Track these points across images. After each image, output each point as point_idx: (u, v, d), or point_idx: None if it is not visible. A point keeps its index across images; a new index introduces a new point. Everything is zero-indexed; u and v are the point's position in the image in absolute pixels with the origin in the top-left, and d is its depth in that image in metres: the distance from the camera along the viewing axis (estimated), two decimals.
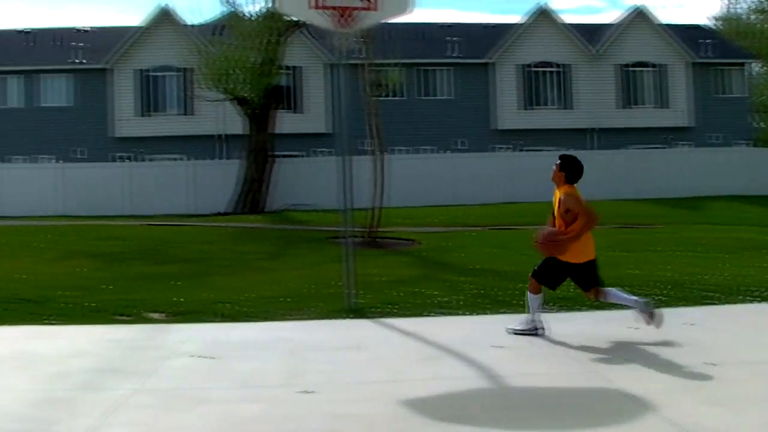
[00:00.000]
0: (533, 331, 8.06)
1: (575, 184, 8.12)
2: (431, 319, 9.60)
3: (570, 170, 8.08)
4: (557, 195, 8.11)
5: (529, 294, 8.17)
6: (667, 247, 17.92)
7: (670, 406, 5.56)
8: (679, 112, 40.78)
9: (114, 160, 36.72)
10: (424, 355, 7.41)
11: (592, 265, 8.04)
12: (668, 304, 10.20)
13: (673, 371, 6.60)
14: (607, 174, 33.02)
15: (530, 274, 8.21)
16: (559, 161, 8.19)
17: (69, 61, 39.32)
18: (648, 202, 29.75)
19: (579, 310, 9.88)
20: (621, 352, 7.26)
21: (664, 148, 38.73)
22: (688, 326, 8.47)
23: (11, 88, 39.22)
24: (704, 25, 48.77)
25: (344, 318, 9.63)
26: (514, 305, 8.20)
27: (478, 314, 9.80)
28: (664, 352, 7.30)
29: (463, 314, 9.85)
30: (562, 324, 8.66)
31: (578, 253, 7.91)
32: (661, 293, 11.00)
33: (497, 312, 9.76)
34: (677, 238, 19.47)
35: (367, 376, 6.66)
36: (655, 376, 6.45)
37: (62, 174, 32.25)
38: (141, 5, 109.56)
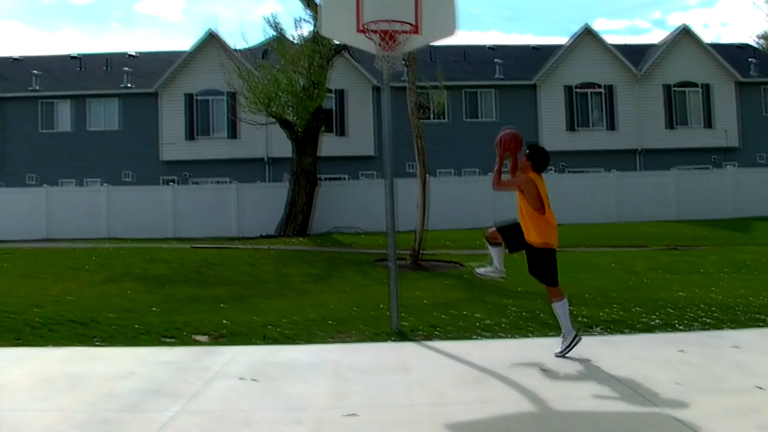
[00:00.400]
0: (575, 339, 8.09)
1: (541, 174, 8.33)
2: (476, 341, 9.56)
3: (536, 159, 8.27)
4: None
5: (555, 305, 8.28)
6: (713, 269, 17.73)
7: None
8: (725, 132, 40.33)
9: (161, 184, 37.09)
10: (469, 378, 7.38)
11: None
12: (715, 327, 10.11)
13: (721, 395, 6.52)
14: (654, 195, 32.82)
15: (548, 286, 8.36)
16: (527, 151, 8.35)
17: (117, 85, 39.94)
18: (694, 223, 29.46)
19: (624, 333, 9.81)
20: (668, 375, 7.16)
21: (710, 168, 38.38)
22: (735, 349, 8.36)
23: (61, 112, 39.87)
24: (749, 44, 48.31)
25: (389, 341, 9.62)
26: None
27: (523, 337, 9.76)
28: (712, 376, 7.21)
29: (508, 337, 9.81)
30: (607, 347, 8.61)
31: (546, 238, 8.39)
32: (707, 315, 10.88)
33: (543, 335, 9.71)
34: (724, 259, 19.24)
35: (412, 398, 6.65)
36: (703, 399, 6.37)
37: (109, 197, 32.59)
38: (185, 30, 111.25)
